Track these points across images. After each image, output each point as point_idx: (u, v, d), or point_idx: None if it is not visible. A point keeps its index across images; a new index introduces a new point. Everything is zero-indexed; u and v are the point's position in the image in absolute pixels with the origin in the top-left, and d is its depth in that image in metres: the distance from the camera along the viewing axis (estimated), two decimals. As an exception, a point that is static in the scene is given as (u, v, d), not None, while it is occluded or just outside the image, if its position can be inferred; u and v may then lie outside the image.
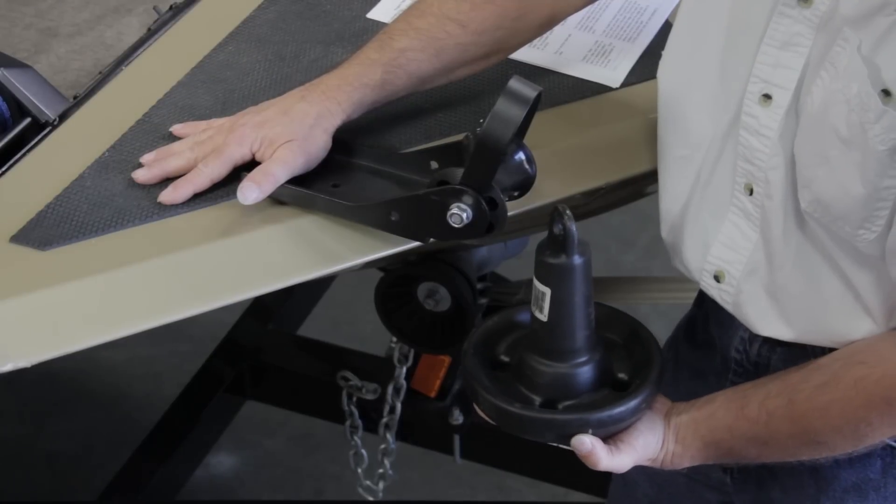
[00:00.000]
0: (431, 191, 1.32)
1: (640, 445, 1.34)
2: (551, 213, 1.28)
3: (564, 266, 1.28)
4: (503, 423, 1.35)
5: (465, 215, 1.30)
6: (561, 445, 1.33)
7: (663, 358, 1.37)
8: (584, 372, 1.34)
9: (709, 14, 1.35)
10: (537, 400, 1.35)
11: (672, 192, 1.42)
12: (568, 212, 1.27)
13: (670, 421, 1.36)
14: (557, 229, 1.28)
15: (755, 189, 1.33)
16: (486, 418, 1.36)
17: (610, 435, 1.33)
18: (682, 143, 1.39)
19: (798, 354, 1.39)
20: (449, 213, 1.30)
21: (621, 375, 1.37)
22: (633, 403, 1.32)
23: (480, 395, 1.35)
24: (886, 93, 1.19)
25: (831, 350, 1.35)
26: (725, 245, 1.39)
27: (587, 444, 1.31)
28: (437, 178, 1.34)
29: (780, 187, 1.31)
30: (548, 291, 1.30)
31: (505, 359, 1.40)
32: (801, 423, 1.31)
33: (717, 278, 1.40)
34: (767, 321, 1.39)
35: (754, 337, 1.44)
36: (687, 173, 1.39)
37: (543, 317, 1.31)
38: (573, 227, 1.28)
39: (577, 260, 1.28)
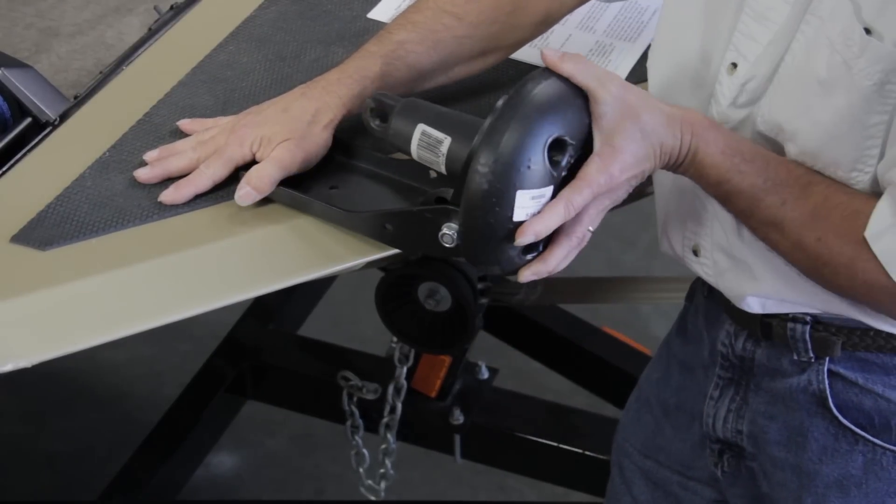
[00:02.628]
0: (425, 208, 1.32)
1: (587, 172, 1.22)
2: (364, 115, 1.36)
3: (407, 124, 1.32)
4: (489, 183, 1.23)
5: (455, 235, 1.29)
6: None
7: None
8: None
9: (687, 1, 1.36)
10: None
11: (663, 175, 1.43)
12: (374, 99, 1.35)
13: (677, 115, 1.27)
14: (376, 125, 1.35)
15: None
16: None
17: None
18: None
19: (782, 351, 1.41)
20: (440, 234, 1.30)
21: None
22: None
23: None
24: (868, 31, 1.20)
25: (814, 337, 1.37)
26: (694, 219, 1.40)
27: (552, 51, 1.24)
28: (431, 196, 1.33)
29: None
30: (413, 149, 1.31)
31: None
32: (828, 208, 1.26)
33: (695, 252, 1.42)
34: (743, 290, 1.39)
35: (739, 331, 1.45)
36: None
37: (447, 141, 1.30)
38: (386, 99, 1.32)
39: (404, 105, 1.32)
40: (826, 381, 1.39)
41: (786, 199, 1.27)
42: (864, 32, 1.21)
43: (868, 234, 1.24)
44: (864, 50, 1.21)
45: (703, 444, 1.53)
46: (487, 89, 1.57)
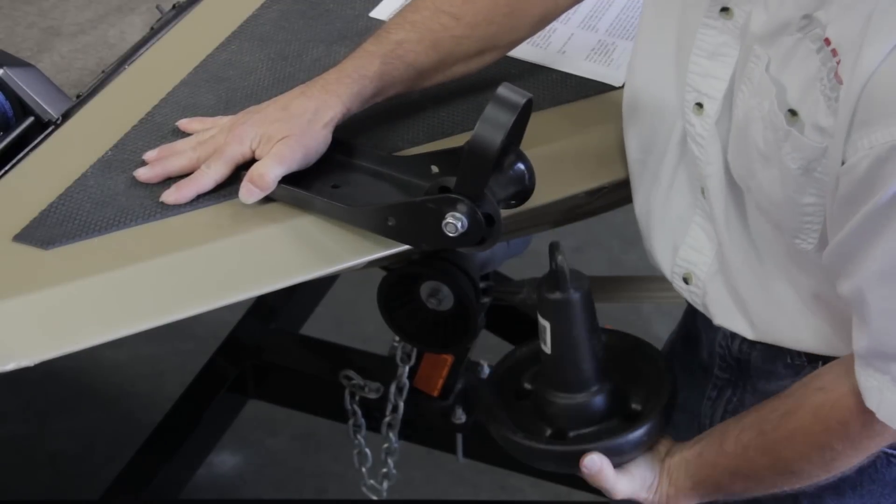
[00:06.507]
0: (428, 198, 1.32)
1: (638, 476, 1.38)
2: (550, 249, 1.34)
3: (560, 301, 1.35)
4: (512, 451, 1.41)
5: (459, 224, 1.30)
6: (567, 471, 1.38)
7: (673, 391, 1.40)
8: (593, 402, 1.39)
9: (663, 20, 1.37)
10: (548, 430, 1.40)
11: (637, 196, 1.46)
12: (560, 249, 1.34)
13: (664, 463, 1.40)
14: (554, 265, 1.35)
15: (705, 193, 1.35)
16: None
17: (615, 464, 1.38)
18: (638, 147, 1.42)
19: (776, 352, 1.41)
20: (444, 222, 1.30)
21: (635, 406, 1.41)
22: (632, 437, 1.37)
23: (491, 425, 1.41)
24: (793, 112, 1.20)
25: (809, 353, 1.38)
26: (692, 247, 1.41)
27: (596, 465, 1.36)
28: (434, 186, 1.34)
29: (719, 193, 1.33)
30: (548, 325, 1.36)
31: (528, 387, 1.46)
32: (772, 453, 1.33)
33: (685, 280, 1.43)
34: (734, 321, 1.41)
35: (734, 334, 1.45)
36: (644, 177, 1.42)
37: (548, 349, 1.37)
38: (564, 264, 1.34)
39: (573, 295, 1.35)
40: None
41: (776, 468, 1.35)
42: (784, 121, 1.20)
43: (870, 406, 1.24)
44: (787, 138, 1.20)
45: None
46: (484, 86, 1.56)
